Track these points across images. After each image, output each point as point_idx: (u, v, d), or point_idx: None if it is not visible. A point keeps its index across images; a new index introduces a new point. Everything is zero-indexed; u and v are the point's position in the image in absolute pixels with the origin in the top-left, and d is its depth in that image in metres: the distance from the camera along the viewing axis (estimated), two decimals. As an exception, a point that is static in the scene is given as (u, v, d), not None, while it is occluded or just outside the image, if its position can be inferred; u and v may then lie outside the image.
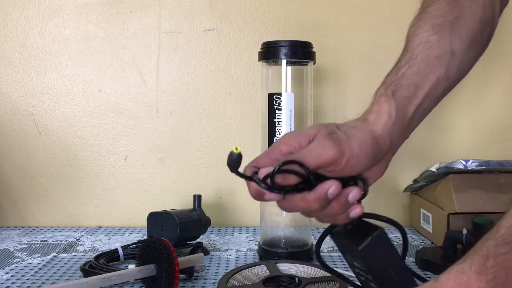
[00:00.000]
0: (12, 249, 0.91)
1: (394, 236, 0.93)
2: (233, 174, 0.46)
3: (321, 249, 0.58)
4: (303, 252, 0.82)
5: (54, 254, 0.88)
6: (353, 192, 0.48)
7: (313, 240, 0.86)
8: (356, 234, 0.50)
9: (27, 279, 0.76)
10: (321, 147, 0.47)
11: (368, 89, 1.16)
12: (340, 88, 1.10)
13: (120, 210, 1.11)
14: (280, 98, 0.81)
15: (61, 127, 1.09)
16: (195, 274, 0.74)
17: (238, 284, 0.65)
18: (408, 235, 0.54)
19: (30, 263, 0.83)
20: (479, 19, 0.57)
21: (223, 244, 0.95)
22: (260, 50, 0.84)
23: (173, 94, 1.10)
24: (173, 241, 0.74)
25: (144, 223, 0.89)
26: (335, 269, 0.60)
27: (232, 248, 0.93)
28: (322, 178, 0.47)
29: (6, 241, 0.97)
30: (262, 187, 0.46)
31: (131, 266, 0.70)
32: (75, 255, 0.87)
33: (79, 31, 1.08)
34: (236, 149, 0.44)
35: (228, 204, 1.10)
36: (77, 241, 0.97)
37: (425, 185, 1.00)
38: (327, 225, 0.53)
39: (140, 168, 1.10)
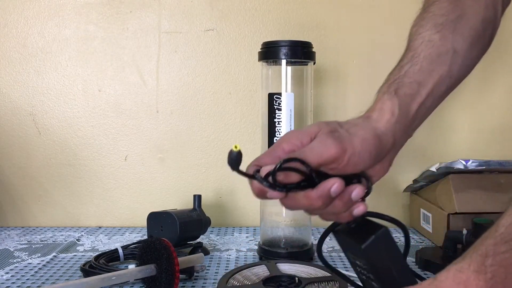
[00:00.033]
0: (12, 249, 0.91)
1: (395, 236, 0.92)
2: (233, 174, 0.46)
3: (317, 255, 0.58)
4: (303, 252, 0.82)
5: (54, 254, 0.88)
6: (357, 190, 0.48)
7: (313, 240, 0.86)
8: (359, 233, 0.49)
9: (27, 279, 0.76)
10: (323, 145, 0.47)
11: (368, 89, 1.16)
12: (340, 88, 1.10)
13: (120, 210, 1.11)
14: (280, 98, 0.81)
15: (61, 127, 1.09)
16: (195, 274, 0.74)
17: (238, 284, 0.65)
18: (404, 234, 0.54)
19: (30, 263, 0.83)
20: (481, 19, 0.57)
21: (223, 244, 0.95)
22: (260, 50, 0.84)
23: (173, 94, 1.10)
24: (173, 241, 0.74)
25: (144, 223, 0.89)
26: (333, 273, 0.60)
27: (232, 248, 0.93)
28: (325, 176, 0.47)
29: (6, 241, 0.97)
30: (264, 185, 0.46)
31: (131, 266, 0.70)
32: (75, 255, 0.87)
33: (79, 31, 1.08)
34: (236, 147, 0.44)
35: (228, 204, 1.10)
36: (77, 241, 0.97)
37: (425, 185, 1.00)
38: (328, 224, 0.53)
39: (140, 168, 1.10)
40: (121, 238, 1.00)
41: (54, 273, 0.78)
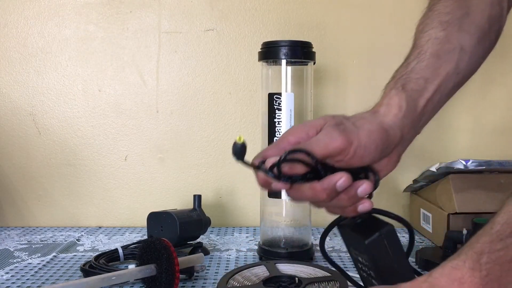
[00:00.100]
0: (12, 249, 0.91)
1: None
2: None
3: (319, 249, 0.58)
4: (303, 252, 0.82)
5: (54, 254, 0.88)
6: (363, 186, 0.48)
7: (313, 240, 0.86)
8: (364, 228, 0.50)
9: (27, 279, 0.76)
10: (329, 137, 0.47)
11: (368, 89, 1.16)
12: (340, 88, 1.10)
13: (120, 210, 1.11)
14: (280, 98, 0.81)
15: (61, 127, 1.09)
16: (195, 274, 0.74)
17: (238, 285, 0.65)
18: (407, 234, 0.54)
19: (30, 263, 0.83)
20: (487, 16, 0.57)
21: (223, 244, 0.95)
22: (260, 50, 0.84)
23: (173, 94, 1.10)
24: (173, 241, 0.74)
25: (144, 223, 0.89)
26: (334, 268, 0.60)
27: (232, 248, 0.93)
28: (331, 169, 0.47)
29: (6, 241, 0.97)
30: (269, 176, 0.46)
31: (131, 266, 0.70)
32: (75, 255, 0.87)
33: (79, 31, 1.08)
34: (240, 138, 0.45)
35: (228, 204, 1.10)
36: (77, 241, 0.97)
37: (425, 185, 1.00)
38: (329, 223, 0.53)
39: (140, 168, 1.10)
40: (121, 238, 1.00)
41: (54, 273, 0.78)
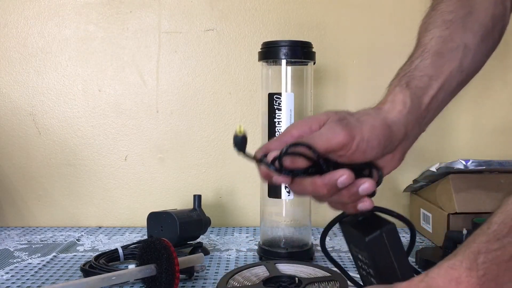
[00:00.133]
0: (12, 249, 0.91)
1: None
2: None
3: (319, 249, 0.58)
4: (303, 252, 0.82)
5: (54, 254, 0.88)
6: (365, 185, 0.48)
7: (313, 240, 0.86)
8: (366, 226, 0.50)
9: (27, 279, 0.76)
10: (331, 131, 0.47)
11: (368, 89, 1.16)
12: (340, 88, 1.10)
13: (120, 210, 1.11)
14: (280, 98, 0.81)
15: (61, 127, 1.09)
16: (195, 274, 0.74)
17: (238, 285, 0.65)
18: (408, 235, 0.54)
19: (30, 263, 0.83)
20: (490, 15, 0.57)
21: (223, 244, 0.95)
22: (260, 50, 0.84)
23: (173, 94, 1.10)
24: (173, 241, 0.74)
25: (144, 223, 0.89)
26: (334, 268, 0.60)
27: (232, 248, 0.93)
28: (333, 164, 0.47)
29: (6, 241, 0.97)
30: (271, 170, 0.46)
31: (131, 266, 0.70)
32: (75, 255, 0.87)
33: (79, 31, 1.08)
34: (240, 129, 0.44)
35: (228, 204, 1.10)
36: (77, 241, 0.97)
37: (425, 185, 1.00)
38: (329, 221, 0.53)
39: (140, 168, 1.10)
40: (121, 238, 1.00)
41: (54, 273, 0.78)
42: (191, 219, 0.87)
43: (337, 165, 0.47)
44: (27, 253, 0.89)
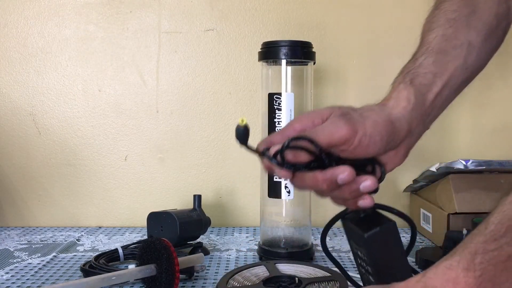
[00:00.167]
0: (12, 249, 0.91)
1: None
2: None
3: (319, 249, 0.58)
4: (303, 252, 0.82)
5: (54, 254, 0.88)
6: (367, 183, 0.48)
7: (313, 240, 0.86)
8: (367, 223, 0.50)
9: (27, 279, 0.76)
10: (334, 126, 0.47)
11: (368, 89, 1.16)
12: (340, 88, 1.10)
13: (120, 210, 1.11)
14: (280, 98, 0.81)
15: (61, 127, 1.09)
16: (195, 274, 0.74)
17: (238, 285, 0.65)
18: (409, 235, 0.54)
19: (30, 263, 0.83)
20: (494, 14, 0.57)
21: (223, 244, 0.95)
22: (260, 50, 0.84)
23: (173, 94, 1.10)
24: (173, 241, 0.74)
25: (144, 223, 0.89)
26: (333, 268, 0.60)
27: (232, 248, 0.93)
28: (336, 159, 0.47)
29: (6, 241, 0.97)
30: (273, 163, 0.46)
31: (131, 266, 0.70)
32: (75, 255, 0.87)
33: (79, 31, 1.08)
34: (242, 121, 0.44)
35: (228, 204, 1.10)
36: (77, 241, 0.97)
37: (425, 185, 1.00)
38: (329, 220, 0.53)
39: (140, 168, 1.10)
40: (121, 238, 1.00)
41: (54, 273, 0.78)
42: (191, 219, 0.87)
43: (339, 160, 0.47)
44: (27, 253, 0.89)
